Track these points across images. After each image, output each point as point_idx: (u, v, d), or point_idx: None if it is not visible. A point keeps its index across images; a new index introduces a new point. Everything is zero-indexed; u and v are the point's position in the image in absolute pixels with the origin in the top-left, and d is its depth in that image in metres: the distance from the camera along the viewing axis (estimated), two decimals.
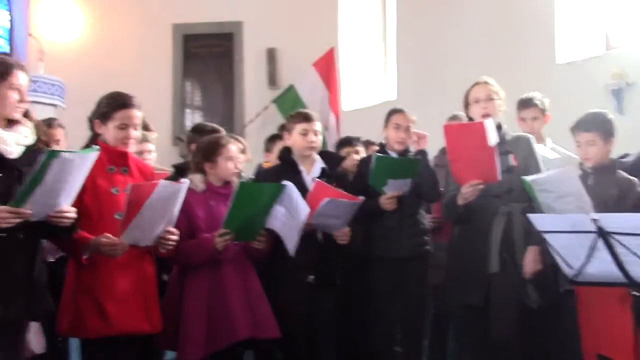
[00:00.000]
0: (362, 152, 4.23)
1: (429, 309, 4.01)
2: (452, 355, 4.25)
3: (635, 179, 3.07)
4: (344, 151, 4.42)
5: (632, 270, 2.19)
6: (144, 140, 3.67)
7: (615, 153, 3.30)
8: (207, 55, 8.60)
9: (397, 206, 3.51)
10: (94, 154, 2.51)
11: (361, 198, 3.23)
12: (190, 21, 8.38)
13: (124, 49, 8.21)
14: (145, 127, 4.24)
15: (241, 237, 3.06)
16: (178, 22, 8.40)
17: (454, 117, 4.15)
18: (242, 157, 4.06)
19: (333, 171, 3.52)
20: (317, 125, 3.46)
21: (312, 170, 3.45)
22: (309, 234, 3.24)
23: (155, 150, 3.98)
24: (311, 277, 3.30)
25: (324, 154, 3.55)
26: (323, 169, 3.45)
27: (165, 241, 2.79)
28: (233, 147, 3.22)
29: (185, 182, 2.81)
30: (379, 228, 3.53)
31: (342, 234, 3.28)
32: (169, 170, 3.80)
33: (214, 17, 8.30)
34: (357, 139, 4.44)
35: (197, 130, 3.95)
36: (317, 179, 3.26)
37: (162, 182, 2.70)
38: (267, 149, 4.47)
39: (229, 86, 8.52)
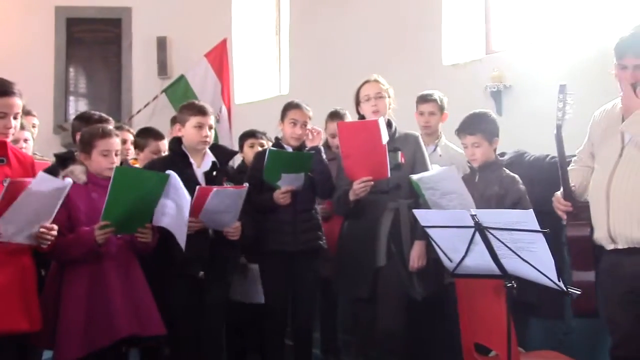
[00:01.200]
0: (267, 145, 4.18)
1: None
2: (343, 345, 4.34)
3: (517, 177, 3.26)
4: (248, 143, 4.38)
5: (506, 263, 2.32)
6: (20, 128, 3.46)
7: None
8: (93, 41, 8.21)
9: (291, 201, 3.53)
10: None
11: (246, 185, 3.21)
12: (74, 4, 7.98)
13: (3, 31, 7.69)
14: (27, 113, 4.00)
15: (123, 229, 2.95)
16: (61, 4, 7.96)
17: (335, 114, 4.22)
18: (132, 149, 3.93)
19: (223, 165, 3.48)
20: (212, 120, 3.41)
21: (203, 163, 3.39)
22: (200, 230, 3.20)
23: (37, 138, 3.77)
24: (201, 272, 3.26)
25: (214, 148, 3.50)
26: (214, 163, 3.41)
27: (43, 236, 2.65)
28: (115, 141, 3.08)
29: (67, 182, 2.68)
30: (273, 222, 3.54)
31: (233, 230, 3.26)
32: (50, 160, 3.60)
33: (100, 2, 7.95)
34: (262, 132, 4.40)
35: (83, 118, 3.75)
36: (199, 186, 3.19)
37: (39, 176, 2.56)
38: (137, 145, 4.22)
39: (116, 74, 8.19)
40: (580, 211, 2.57)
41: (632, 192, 2.54)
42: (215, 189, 3.08)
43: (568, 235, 2.68)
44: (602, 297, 2.65)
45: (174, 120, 4.20)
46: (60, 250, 2.85)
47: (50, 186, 2.59)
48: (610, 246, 2.62)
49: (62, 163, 3.31)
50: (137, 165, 3.84)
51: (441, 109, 3.95)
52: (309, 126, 3.65)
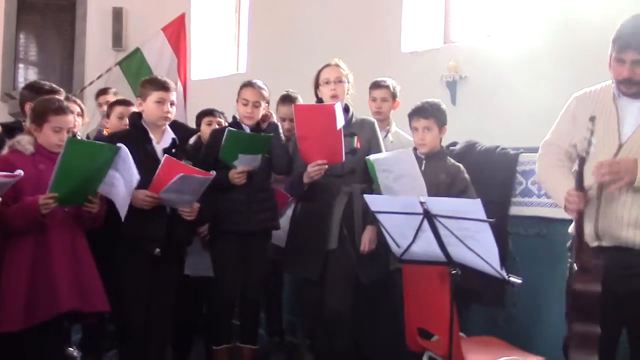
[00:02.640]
0: (224, 124, 4.14)
1: None
2: (287, 326, 4.38)
3: (462, 166, 3.33)
4: (206, 120, 4.33)
5: (452, 250, 2.38)
6: None
7: (444, 141, 3.55)
8: (46, 7, 7.94)
9: (247, 181, 3.52)
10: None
11: (212, 173, 3.19)
12: None
13: None
14: None
15: (69, 201, 2.90)
16: None
17: (286, 97, 4.21)
18: (79, 121, 3.84)
19: (183, 143, 3.44)
20: (174, 96, 3.36)
21: (163, 139, 3.35)
22: (158, 207, 3.17)
23: None
24: (157, 250, 3.23)
25: (174, 125, 3.45)
26: (173, 140, 3.37)
27: None
28: (69, 119, 3.02)
29: (17, 173, 2.60)
30: (228, 202, 3.52)
31: (190, 210, 3.24)
32: None
33: None
34: (220, 111, 4.36)
35: (33, 88, 3.64)
36: (167, 155, 3.16)
37: None
38: (107, 115, 4.25)
39: (69, 43, 7.95)
40: (592, 267, 2.40)
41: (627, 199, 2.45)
42: (181, 174, 3.04)
43: (576, 289, 2.41)
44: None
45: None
46: (3, 220, 2.78)
47: None
48: (594, 243, 2.54)
49: (8, 133, 3.22)
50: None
51: (393, 96, 3.97)
52: (263, 105, 3.62)
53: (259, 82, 3.63)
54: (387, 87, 3.95)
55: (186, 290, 3.60)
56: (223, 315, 3.61)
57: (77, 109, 3.81)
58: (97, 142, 3.01)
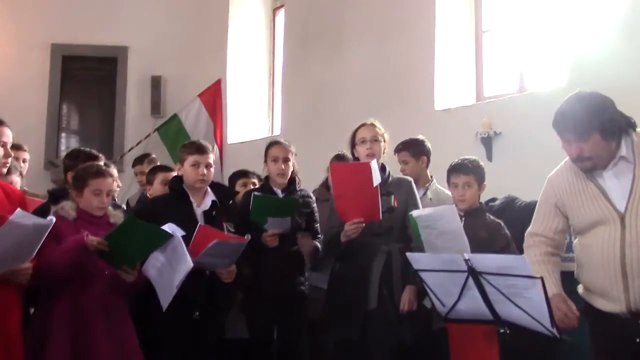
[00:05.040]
0: (258, 184, 4.19)
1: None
2: None
3: (502, 222, 3.28)
4: (240, 182, 4.38)
5: (499, 308, 2.32)
6: (7, 172, 3.47)
7: (483, 198, 3.52)
8: (88, 78, 8.26)
9: (279, 243, 3.52)
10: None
11: (247, 237, 3.21)
12: (71, 42, 8.04)
13: None
14: (19, 147, 4.01)
15: (112, 260, 2.95)
16: (57, 42, 8.03)
17: (340, 157, 4.25)
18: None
19: (224, 204, 3.48)
20: (210, 158, 3.42)
21: (203, 202, 3.39)
22: (197, 271, 3.17)
23: (27, 173, 3.77)
24: (197, 313, 3.23)
25: (215, 186, 3.50)
26: (214, 202, 3.41)
27: (20, 275, 2.66)
28: (108, 181, 3.10)
29: (49, 220, 2.67)
30: (262, 265, 3.53)
31: (227, 273, 3.23)
32: (41, 195, 3.59)
33: (97, 40, 8.02)
34: (253, 172, 4.42)
35: (73, 156, 3.77)
36: (200, 224, 3.20)
37: (18, 212, 2.55)
38: (148, 181, 4.33)
39: (109, 112, 8.21)
40: None
41: None
42: (215, 240, 3.06)
43: None
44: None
45: None
46: (49, 265, 2.81)
47: (30, 222, 2.57)
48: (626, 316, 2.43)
49: (55, 199, 3.31)
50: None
51: (415, 155, 3.98)
52: (291, 162, 3.67)
53: (282, 139, 3.74)
54: (407, 150, 3.96)
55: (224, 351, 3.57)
56: None
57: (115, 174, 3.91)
58: (155, 226, 3.05)
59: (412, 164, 3.97)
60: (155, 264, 3.01)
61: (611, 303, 2.44)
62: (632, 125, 2.49)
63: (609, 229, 2.44)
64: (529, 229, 2.76)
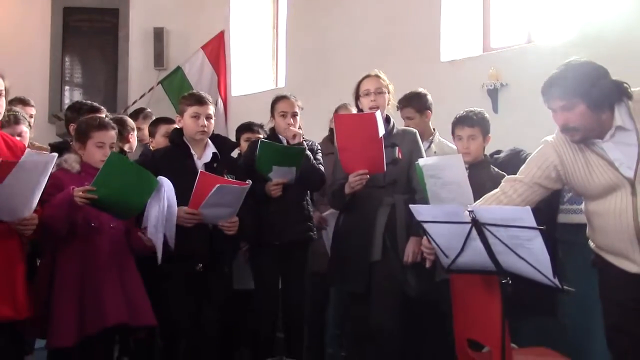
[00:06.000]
0: (263, 137, 4.17)
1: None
2: (331, 340, 4.35)
3: (506, 175, 3.26)
4: (244, 137, 4.37)
5: (502, 259, 2.32)
6: (15, 121, 3.46)
7: (488, 150, 3.50)
8: (90, 30, 8.15)
9: (282, 193, 3.53)
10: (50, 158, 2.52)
11: (249, 182, 3.20)
12: None
13: None
14: (26, 103, 4.00)
15: (107, 208, 2.92)
16: None
17: (343, 106, 4.22)
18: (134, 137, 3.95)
19: (225, 157, 3.47)
20: (210, 109, 3.39)
21: (204, 154, 3.39)
22: (199, 224, 3.19)
23: (32, 127, 3.75)
24: (200, 265, 3.25)
25: (216, 139, 3.49)
26: (214, 154, 3.40)
27: (25, 226, 2.65)
28: (111, 134, 3.08)
29: (52, 155, 2.64)
30: (266, 215, 3.54)
31: (230, 224, 3.24)
32: (47, 148, 3.59)
33: None
34: (259, 125, 4.40)
35: (75, 108, 3.76)
36: (201, 171, 3.19)
37: (27, 153, 2.53)
38: (151, 134, 4.32)
39: (112, 64, 8.12)
40: None
41: None
42: (217, 184, 3.05)
43: None
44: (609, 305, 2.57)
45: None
46: (45, 224, 2.81)
47: (37, 159, 2.54)
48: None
49: (57, 152, 3.30)
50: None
51: (420, 110, 3.93)
52: (298, 116, 3.66)
53: (290, 94, 3.71)
54: (411, 106, 3.90)
55: (232, 303, 3.62)
56: (265, 327, 3.62)
57: (129, 127, 3.91)
58: (139, 164, 3.03)
59: (417, 119, 3.93)
60: (154, 224, 3.00)
61: (628, 263, 2.45)
62: (625, 93, 2.42)
63: (619, 196, 2.41)
64: (511, 176, 2.71)
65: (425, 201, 3.06)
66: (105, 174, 2.84)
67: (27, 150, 2.57)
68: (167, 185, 3.01)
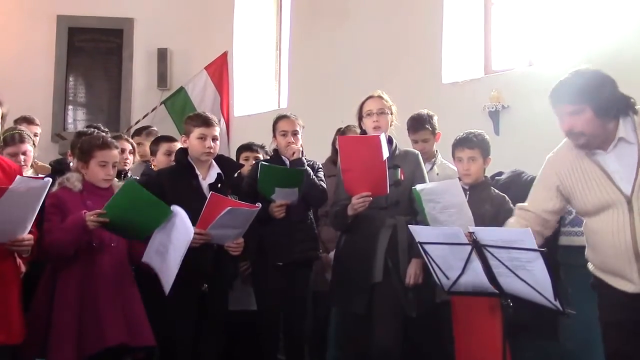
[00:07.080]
0: (263, 157, 4.19)
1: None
2: None
3: (506, 197, 3.27)
4: (243, 156, 4.39)
5: (503, 281, 2.32)
6: (20, 140, 3.47)
7: (489, 171, 3.51)
8: (94, 50, 8.22)
9: (286, 214, 3.53)
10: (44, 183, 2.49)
11: (258, 205, 3.21)
12: (76, 13, 7.99)
13: (4, 39, 7.73)
14: (31, 122, 4.02)
15: (117, 229, 2.94)
16: (63, 13, 7.98)
17: (349, 128, 4.22)
18: (131, 158, 3.96)
19: (229, 177, 3.48)
20: (216, 131, 3.42)
21: (209, 175, 3.40)
22: (204, 244, 3.18)
23: (36, 145, 3.78)
24: (205, 286, 3.25)
25: (220, 160, 3.50)
26: (219, 175, 3.41)
27: (18, 246, 2.62)
28: (114, 153, 3.10)
29: (46, 181, 2.61)
30: (270, 235, 3.54)
31: (236, 245, 3.25)
32: (48, 168, 3.61)
33: (103, 12, 7.98)
34: (259, 145, 4.41)
35: (81, 135, 3.78)
36: (213, 192, 3.20)
37: (17, 179, 2.51)
38: (152, 152, 4.33)
39: (116, 84, 8.18)
40: None
41: None
42: (229, 207, 3.06)
43: None
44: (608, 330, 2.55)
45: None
46: (54, 245, 2.82)
47: (29, 186, 2.52)
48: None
49: (58, 171, 3.32)
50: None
51: (433, 132, 3.93)
52: (300, 134, 3.67)
53: (290, 113, 3.73)
54: (426, 128, 3.89)
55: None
56: (267, 347, 3.60)
57: (129, 147, 3.93)
58: (154, 196, 3.01)
59: (432, 141, 3.93)
60: (157, 248, 3.00)
61: (625, 282, 2.44)
62: (632, 107, 2.45)
63: (616, 213, 2.41)
64: (520, 204, 2.72)
65: (426, 223, 3.06)
66: (119, 199, 2.87)
67: (18, 177, 2.54)
68: (181, 216, 2.97)
